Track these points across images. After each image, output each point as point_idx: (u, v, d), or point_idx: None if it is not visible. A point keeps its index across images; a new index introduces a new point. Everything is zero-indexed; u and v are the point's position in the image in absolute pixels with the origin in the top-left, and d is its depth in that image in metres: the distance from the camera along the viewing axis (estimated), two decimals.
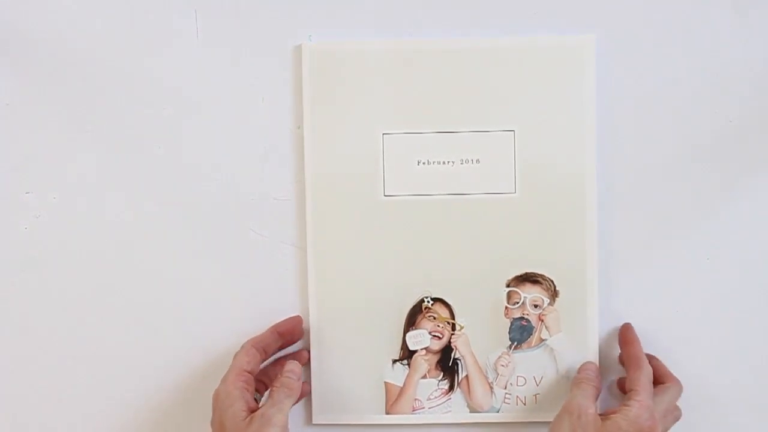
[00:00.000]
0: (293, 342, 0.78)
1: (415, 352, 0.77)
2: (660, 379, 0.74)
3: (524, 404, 0.77)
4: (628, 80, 0.76)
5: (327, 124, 0.76)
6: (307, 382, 0.78)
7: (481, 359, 0.77)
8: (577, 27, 0.76)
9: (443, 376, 0.78)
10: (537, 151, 0.76)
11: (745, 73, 0.76)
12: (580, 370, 0.75)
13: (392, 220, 0.77)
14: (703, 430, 0.78)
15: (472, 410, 0.77)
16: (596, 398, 0.73)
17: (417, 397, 0.77)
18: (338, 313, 0.77)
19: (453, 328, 0.77)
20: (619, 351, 0.77)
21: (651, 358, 0.75)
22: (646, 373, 0.71)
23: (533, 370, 0.77)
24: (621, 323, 0.77)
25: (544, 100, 0.76)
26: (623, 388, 0.76)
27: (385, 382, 0.77)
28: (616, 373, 0.78)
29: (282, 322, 0.77)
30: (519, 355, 0.77)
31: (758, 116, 0.76)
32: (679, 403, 0.75)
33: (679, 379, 0.76)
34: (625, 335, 0.76)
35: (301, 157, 0.77)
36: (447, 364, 0.77)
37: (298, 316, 0.78)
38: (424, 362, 0.77)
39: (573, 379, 0.75)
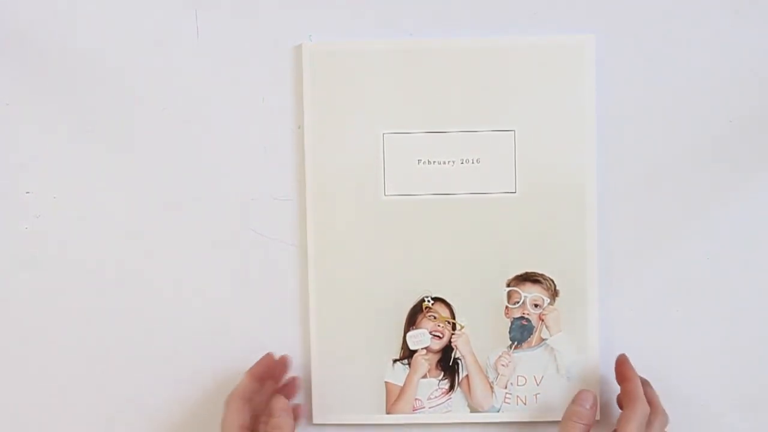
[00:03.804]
0: (280, 379, 0.77)
1: (415, 351, 0.77)
2: None
3: (525, 404, 0.77)
4: (628, 80, 0.76)
5: (327, 124, 0.76)
6: (301, 403, 0.78)
7: (481, 359, 0.77)
8: (577, 27, 0.76)
9: (444, 376, 0.78)
10: (537, 151, 0.76)
11: (745, 73, 0.76)
12: (575, 400, 0.73)
13: (392, 220, 0.77)
14: (702, 430, 0.78)
15: (473, 410, 0.77)
16: None
17: (417, 397, 0.77)
18: (338, 313, 0.77)
19: (453, 327, 0.77)
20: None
21: (643, 384, 0.73)
22: (640, 415, 0.69)
23: (534, 369, 0.77)
24: (621, 323, 0.77)
25: (544, 100, 0.76)
26: (620, 404, 0.74)
27: (386, 382, 0.77)
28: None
29: (254, 365, 0.75)
30: (519, 355, 0.77)
31: (758, 116, 0.76)
32: (679, 402, 0.75)
33: (678, 379, 0.76)
34: (623, 371, 0.74)
35: (301, 157, 0.77)
36: (447, 363, 0.77)
37: (269, 353, 0.76)
38: (424, 362, 0.77)
39: (565, 411, 0.73)
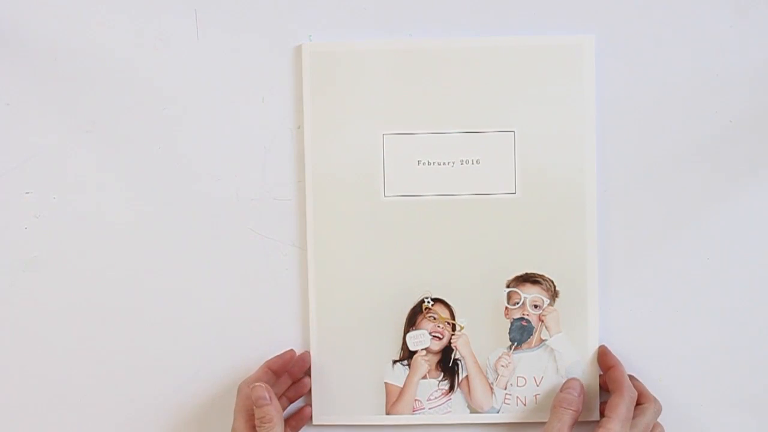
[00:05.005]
0: (297, 375, 0.77)
1: (415, 352, 0.77)
2: (637, 399, 0.73)
3: (524, 404, 0.77)
4: (628, 80, 0.76)
5: (327, 124, 0.76)
6: (309, 404, 0.78)
7: (481, 359, 0.77)
8: (577, 27, 0.76)
9: (443, 377, 0.77)
10: (537, 152, 0.76)
11: (745, 73, 0.76)
12: (563, 388, 0.75)
13: (392, 220, 0.77)
14: (701, 429, 0.78)
15: (473, 411, 0.77)
16: (574, 423, 0.72)
17: (417, 398, 0.77)
18: (338, 314, 0.77)
19: (453, 328, 0.77)
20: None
21: (630, 378, 0.74)
22: (627, 399, 0.71)
23: (533, 370, 0.77)
24: (621, 324, 0.77)
25: (544, 100, 0.76)
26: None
27: (386, 383, 0.77)
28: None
29: (274, 358, 0.76)
30: (519, 356, 0.77)
31: (758, 116, 0.76)
32: (678, 402, 0.75)
33: (677, 379, 0.76)
34: (607, 360, 0.75)
35: (301, 157, 0.77)
36: (447, 364, 0.77)
37: (291, 350, 0.77)
38: (424, 363, 0.77)
39: (554, 399, 0.74)
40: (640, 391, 0.74)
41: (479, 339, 0.77)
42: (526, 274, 0.77)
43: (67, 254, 0.78)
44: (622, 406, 0.70)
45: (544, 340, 0.77)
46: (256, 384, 0.71)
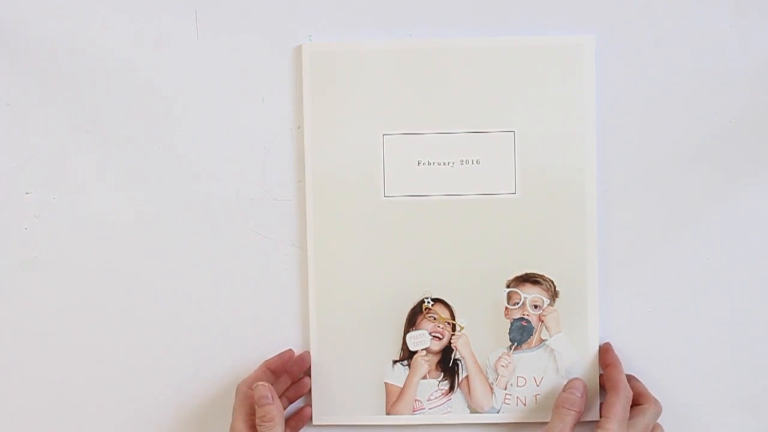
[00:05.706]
0: (296, 375, 0.78)
1: (415, 352, 0.77)
2: (637, 399, 0.73)
3: (524, 405, 0.77)
4: (628, 80, 0.76)
5: (327, 124, 0.76)
6: (309, 404, 0.78)
7: (481, 360, 0.77)
8: (577, 27, 0.76)
9: (443, 377, 0.77)
10: (537, 152, 0.76)
11: (745, 73, 0.76)
12: (565, 388, 0.75)
13: (392, 220, 0.77)
14: (701, 429, 0.78)
15: (473, 411, 0.77)
16: (576, 424, 0.72)
17: (417, 398, 0.77)
18: (338, 314, 0.77)
19: (453, 328, 0.77)
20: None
21: (630, 378, 0.74)
22: (623, 399, 0.71)
23: (533, 370, 0.77)
24: (621, 324, 0.77)
25: (544, 100, 0.76)
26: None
27: (386, 383, 0.77)
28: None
29: (272, 358, 0.76)
30: (519, 356, 0.77)
31: (758, 116, 0.76)
32: (677, 403, 0.75)
33: (677, 380, 0.76)
34: (606, 357, 0.75)
35: (301, 157, 0.77)
36: (447, 364, 0.77)
37: (290, 350, 0.77)
38: (424, 363, 0.77)
39: (556, 399, 0.74)
40: (641, 392, 0.74)
41: (479, 339, 0.77)
42: (526, 274, 0.77)
43: (67, 254, 0.78)
44: (618, 405, 0.70)
45: (544, 340, 0.77)
46: (259, 383, 0.71)
